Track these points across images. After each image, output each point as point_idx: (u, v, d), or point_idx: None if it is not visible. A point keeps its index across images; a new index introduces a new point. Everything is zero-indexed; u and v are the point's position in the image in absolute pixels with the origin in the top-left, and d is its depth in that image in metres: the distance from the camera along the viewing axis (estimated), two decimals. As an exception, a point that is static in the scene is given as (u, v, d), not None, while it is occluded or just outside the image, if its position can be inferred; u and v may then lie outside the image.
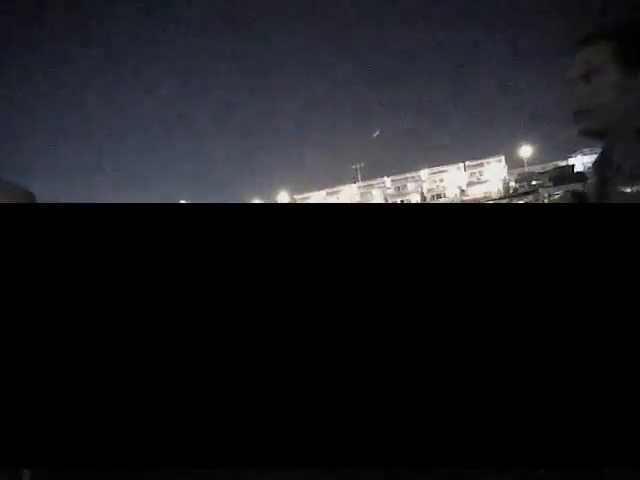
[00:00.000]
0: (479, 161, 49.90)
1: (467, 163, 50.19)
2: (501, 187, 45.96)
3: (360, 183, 54.32)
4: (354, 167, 57.38)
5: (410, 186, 51.25)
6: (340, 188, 53.92)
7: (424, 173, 51.19)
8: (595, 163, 1.06)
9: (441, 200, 48.01)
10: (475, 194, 46.82)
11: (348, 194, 52.66)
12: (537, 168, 47.95)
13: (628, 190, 0.93)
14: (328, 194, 53.50)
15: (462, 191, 48.80)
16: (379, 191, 51.94)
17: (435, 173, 51.06)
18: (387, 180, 52.29)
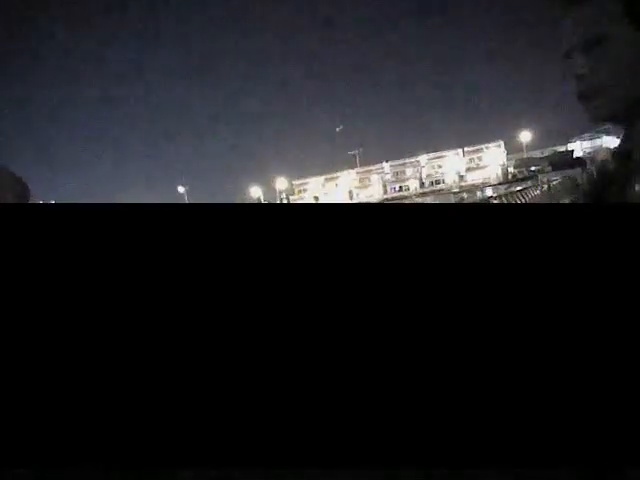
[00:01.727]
0: (478, 146, 49.68)
1: (466, 149, 49.94)
2: (500, 173, 45.82)
3: (359, 169, 54.09)
4: (352, 153, 57.17)
5: (409, 171, 51.06)
6: (338, 174, 53.71)
7: (423, 158, 50.97)
8: (615, 155, 0.80)
9: (439, 186, 47.90)
10: (474, 180, 46.69)
11: (347, 179, 52.47)
12: (536, 153, 47.78)
13: None
14: (327, 179, 53.29)
15: (461, 177, 48.65)
16: (377, 176, 51.74)
17: (434, 159, 50.83)
18: (386, 165, 52.07)
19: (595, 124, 0.83)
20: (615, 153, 0.83)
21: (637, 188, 0.71)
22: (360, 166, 54.66)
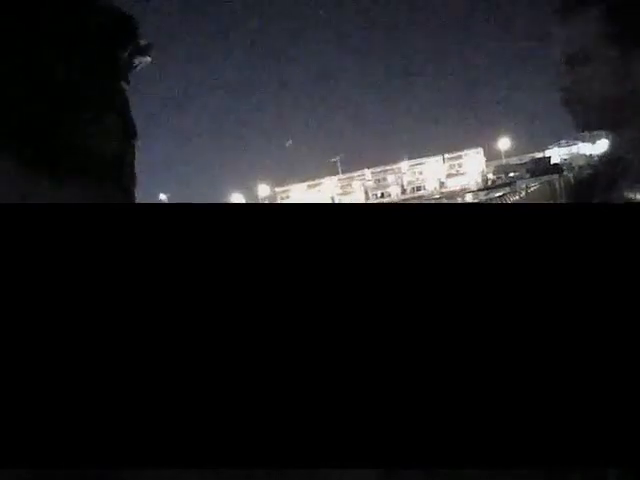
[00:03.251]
0: (458, 153, 50.35)
1: (446, 155, 50.58)
2: (479, 179, 46.47)
3: (340, 175, 54.36)
4: (333, 160, 57.45)
5: (390, 178, 51.50)
6: (320, 181, 53.88)
7: (404, 165, 51.45)
8: (601, 160, 0.86)
9: (420, 192, 48.36)
10: (454, 186, 47.28)
11: (329, 186, 52.68)
12: (514, 160, 48.57)
13: (635, 196, 0.73)
14: (309, 186, 53.43)
15: (441, 183, 49.22)
16: (359, 183, 52.06)
17: (414, 165, 51.36)
18: (367, 172, 52.42)
19: (580, 131, 0.88)
20: (602, 159, 0.89)
21: (624, 193, 0.77)
22: (342, 173, 54.96)
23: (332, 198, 50.71)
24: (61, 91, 0.31)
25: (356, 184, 51.74)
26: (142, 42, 0.39)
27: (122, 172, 0.39)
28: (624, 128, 0.80)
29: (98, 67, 0.33)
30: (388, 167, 51.81)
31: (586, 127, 0.86)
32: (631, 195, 0.75)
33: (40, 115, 0.31)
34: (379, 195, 50.13)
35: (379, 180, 51.62)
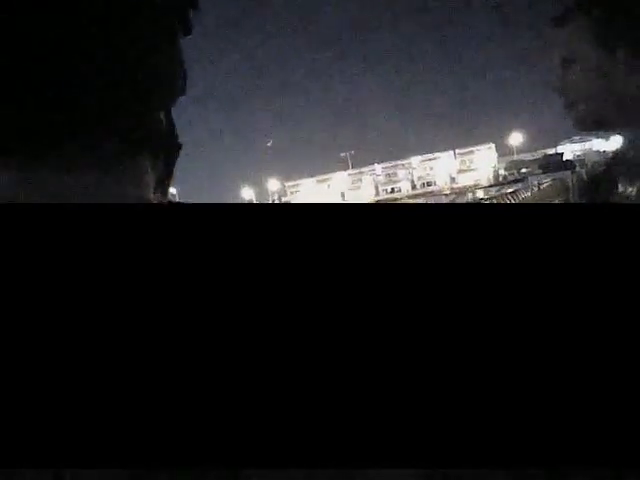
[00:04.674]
0: (469, 148, 50.06)
1: (457, 150, 50.32)
2: (491, 175, 46.19)
3: (350, 170, 54.29)
4: (344, 155, 57.43)
5: (400, 173, 51.34)
6: (330, 175, 53.86)
7: (415, 160, 51.26)
8: (610, 161, 0.90)
9: (431, 188, 48.16)
10: (465, 182, 47.03)
11: (338, 181, 52.63)
12: (527, 156, 48.25)
13: (629, 190, 0.79)
14: (318, 181, 53.42)
15: (452, 179, 48.98)
16: (369, 178, 51.96)
17: (425, 160, 51.15)
18: (377, 167, 52.30)
19: (579, 130, 0.93)
20: (605, 156, 0.95)
21: (629, 190, 0.82)
22: (352, 168, 54.84)
23: (342, 193, 50.70)
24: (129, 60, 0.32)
25: (366, 179, 51.64)
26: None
27: (172, 148, 0.40)
28: (621, 128, 0.86)
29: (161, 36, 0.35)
30: (399, 162, 51.64)
31: (580, 127, 0.91)
32: (630, 189, 0.81)
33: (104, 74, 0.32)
34: (389, 190, 49.98)
35: (389, 175, 51.45)
